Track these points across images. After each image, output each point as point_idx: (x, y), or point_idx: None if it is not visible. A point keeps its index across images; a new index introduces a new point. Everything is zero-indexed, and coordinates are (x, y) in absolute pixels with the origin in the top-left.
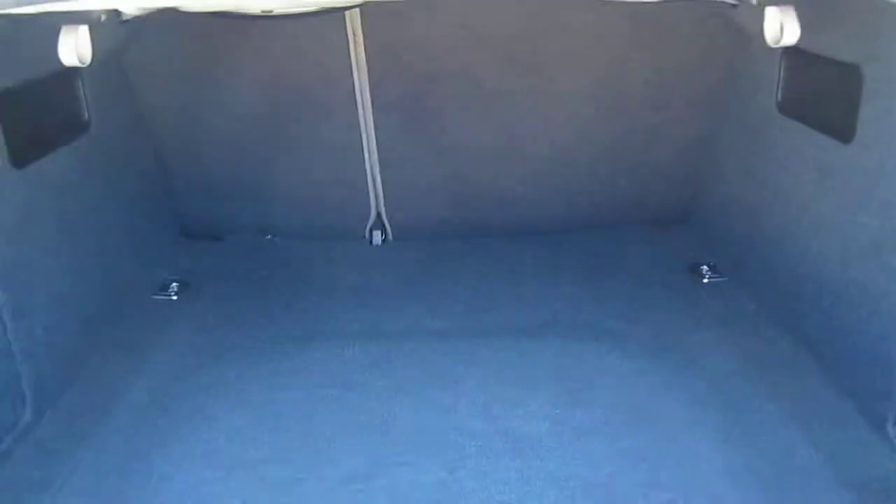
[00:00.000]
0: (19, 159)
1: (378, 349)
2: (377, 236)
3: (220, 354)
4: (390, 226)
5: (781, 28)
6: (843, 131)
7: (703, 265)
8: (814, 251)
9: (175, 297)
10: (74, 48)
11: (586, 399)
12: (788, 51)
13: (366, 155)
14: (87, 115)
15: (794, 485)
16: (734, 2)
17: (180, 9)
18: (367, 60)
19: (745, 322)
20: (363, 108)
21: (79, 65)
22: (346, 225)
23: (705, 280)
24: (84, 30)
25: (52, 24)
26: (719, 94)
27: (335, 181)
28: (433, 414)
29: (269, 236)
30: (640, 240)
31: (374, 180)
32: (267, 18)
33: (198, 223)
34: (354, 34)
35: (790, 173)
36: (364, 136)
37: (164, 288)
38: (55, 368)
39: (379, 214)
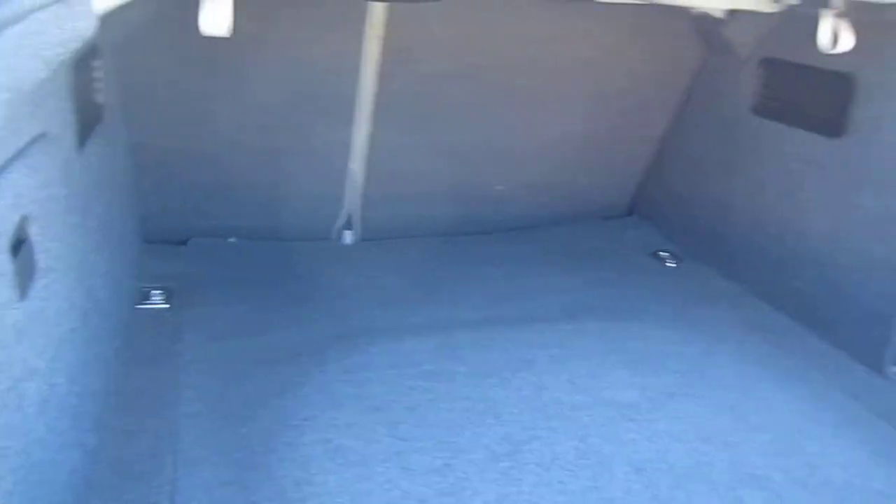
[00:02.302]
0: (83, 141)
1: (432, 341)
2: (348, 236)
3: (263, 360)
4: (361, 225)
5: (836, 37)
6: (832, 128)
7: (662, 252)
8: (796, 230)
9: (166, 306)
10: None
11: (650, 368)
12: (766, 60)
13: (352, 153)
14: (100, 102)
15: (835, 415)
16: (720, 16)
17: None
18: (381, 55)
19: (726, 297)
20: (361, 106)
21: (224, 34)
22: (316, 225)
23: (669, 264)
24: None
25: None
26: (687, 96)
27: (313, 180)
28: (529, 392)
29: (231, 239)
30: (601, 230)
31: (354, 179)
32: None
33: (160, 227)
34: (373, 27)
35: (766, 166)
36: (355, 135)
37: (146, 297)
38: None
39: (350, 214)
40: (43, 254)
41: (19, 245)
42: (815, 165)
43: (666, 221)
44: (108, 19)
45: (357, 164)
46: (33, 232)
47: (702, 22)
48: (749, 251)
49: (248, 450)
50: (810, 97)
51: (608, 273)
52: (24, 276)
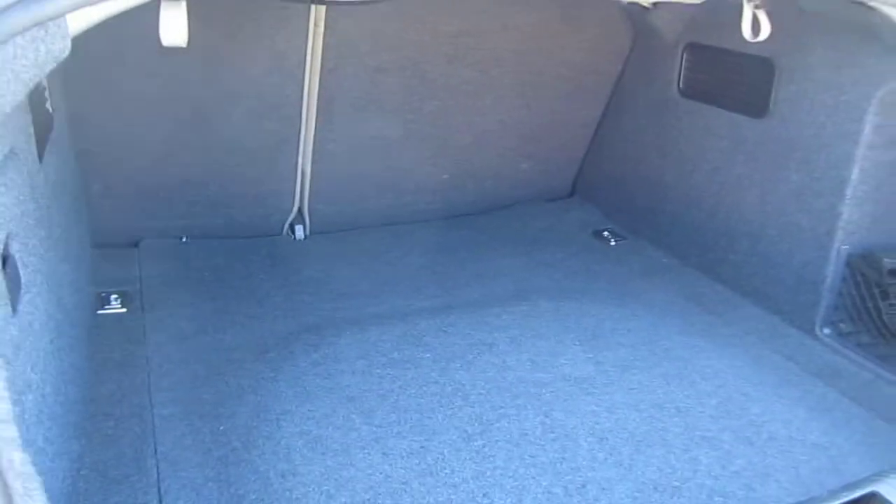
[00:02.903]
0: (41, 153)
1: (395, 330)
2: (300, 230)
3: (231, 358)
4: (310, 219)
5: (757, 25)
6: (756, 109)
7: (604, 231)
8: (727, 205)
9: (124, 310)
10: (175, 25)
11: (603, 344)
12: (691, 45)
13: (300, 149)
14: (51, 110)
15: (774, 377)
16: (647, 5)
17: None
18: (324, 53)
19: (668, 272)
20: (307, 103)
21: (181, 45)
22: (267, 222)
23: (612, 243)
24: (183, 6)
25: None
26: (619, 81)
27: (263, 177)
28: (493, 374)
29: (183, 238)
30: (545, 213)
31: (303, 174)
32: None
33: (110, 231)
34: (316, 25)
35: (696, 146)
36: (302, 131)
37: (105, 302)
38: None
39: (300, 209)
40: (23, 269)
41: (5, 262)
42: (742, 144)
43: (606, 201)
44: None
45: (304, 160)
46: (15, 248)
47: (630, 10)
48: (685, 227)
49: (228, 446)
50: (735, 80)
51: (555, 254)
52: (14, 292)
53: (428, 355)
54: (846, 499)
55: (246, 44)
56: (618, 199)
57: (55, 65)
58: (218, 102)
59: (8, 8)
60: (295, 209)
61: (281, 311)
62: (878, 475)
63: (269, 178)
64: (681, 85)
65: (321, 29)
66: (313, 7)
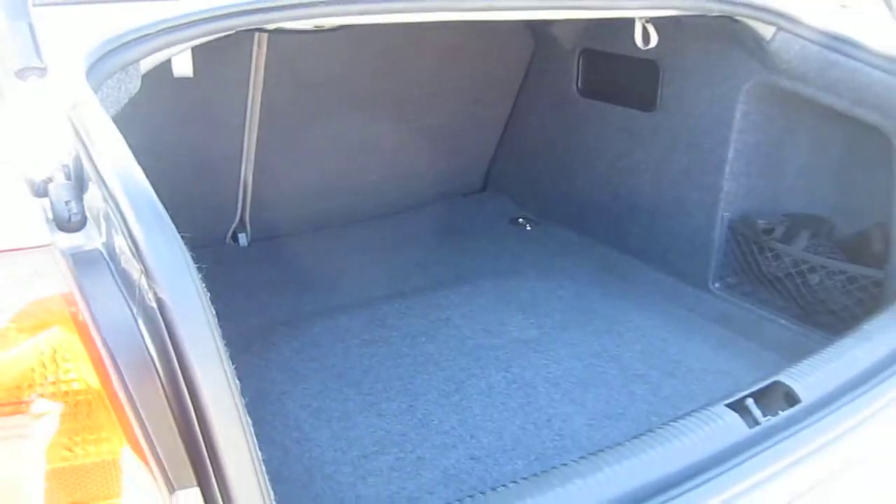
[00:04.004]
0: None
1: (361, 317)
2: (243, 238)
3: None
4: (252, 227)
5: (647, 35)
6: (645, 104)
7: (518, 218)
8: (628, 187)
9: None
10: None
11: (541, 311)
12: (586, 50)
13: (243, 161)
14: None
15: (682, 325)
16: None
17: None
18: (266, 70)
19: (581, 249)
20: (249, 117)
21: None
22: (210, 232)
23: (528, 228)
24: None
25: None
26: (524, 86)
27: (207, 190)
28: (455, 343)
29: None
30: (464, 206)
31: (245, 185)
32: None
33: None
34: (259, 47)
35: (597, 138)
36: (245, 144)
37: None
38: None
39: (242, 218)
40: None
41: None
42: (637, 135)
43: (518, 192)
44: None
45: (247, 172)
46: None
47: (531, 21)
48: (592, 208)
49: None
50: (626, 80)
51: (480, 241)
52: None
53: (395, 334)
54: (756, 388)
55: (194, 66)
56: (529, 190)
57: (128, 100)
58: (167, 120)
59: (103, 56)
60: (237, 218)
61: (247, 310)
62: (779, 370)
63: (213, 191)
64: (579, 85)
65: (263, 50)
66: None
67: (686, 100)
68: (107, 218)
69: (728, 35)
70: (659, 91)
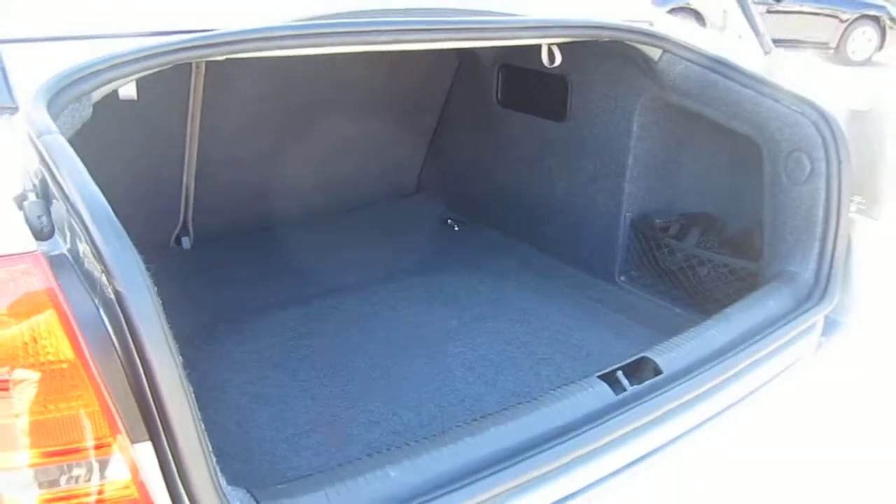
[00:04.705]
0: None
1: (296, 312)
2: (186, 241)
3: None
4: (194, 231)
5: (552, 55)
6: (557, 115)
7: (447, 219)
8: (544, 190)
9: None
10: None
11: (461, 304)
12: (505, 66)
13: (185, 170)
14: None
15: (588, 315)
16: None
17: None
18: (205, 85)
19: (504, 248)
20: (189, 129)
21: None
22: (154, 236)
23: (456, 228)
24: None
25: None
26: (450, 97)
27: (150, 197)
28: (383, 333)
29: None
30: (397, 208)
31: (187, 191)
32: None
33: None
34: (198, 67)
35: (516, 145)
36: (186, 154)
37: None
38: None
39: (184, 222)
40: None
41: None
42: (550, 142)
43: (448, 195)
44: None
45: (189, 178)
46: None
47: None
48: (514, 210)
49: None
50: (539, 93)
51: (412, 240)
52: None
53: (329, 327)
54: (624, 363)
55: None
56: (457, 193)
57: (80, 126)
58: (115, 137)
59: (60, 91)
60: (180, 223)
61: (191, 308)
62: (647, 348)
63: (156, 197)
64: (499, 97)
65: (202, 70)
66: None
67: (591, 111)
68: (70, 228)
69: (623, 55)
70: (568, 103)
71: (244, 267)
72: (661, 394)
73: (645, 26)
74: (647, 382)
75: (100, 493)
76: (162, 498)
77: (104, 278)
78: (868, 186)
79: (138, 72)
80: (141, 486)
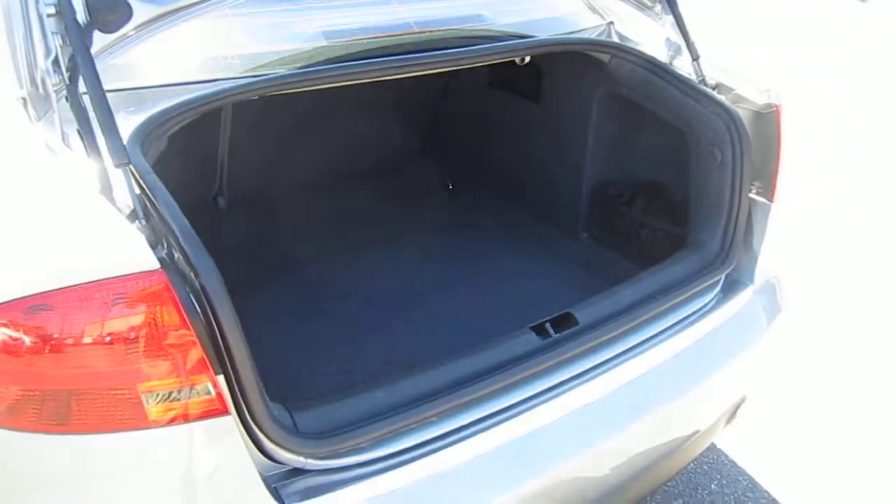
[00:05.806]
0: None
1: (314, 273)
2: (222, 201)
3: None
4: (228, 194)
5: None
6: (534, 97)
7: (448, 183)
8: (525, 160)
9: None
10: None
11: (447, 261)
12: None
13: (220, 143)
14: None
15: (555, 269)
16: None
17: None
18: None
19: (491, 209)
20: (225, 114)
21: None
22: (199, 197)
23: (451, 187)
24: None
25: None
26: (450, 84)
27: (194, 169)
28: (389, 286)
29: None
30: (405, 171)
31: (222, 163)
32: None
33: None
34: None
35: (504, 122)
36: (221, 132)
37: None
38: None
39: (220, 187)
40: None
41: None
42: (530, 120)
43: (450, 160)
44: None
45: (223, 153)
46: None
47: None
48: (502, 175)
49: None
50: (519, 78)
51: (413, 203)
52: None
53: (342, 283)
54: (554, 316)
55: None
56: (458, 159)
57: (158, 155)
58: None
59: (149, 133)
60: (216, 188)
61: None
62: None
63: (199, 169)
64: (489, 80)
65: None
66: None
67: (559, 97)
68: (167, 240)
69: (583, 55)
70: (542, 88)
71: (266, 227)
72: (574, 340)
73: (596, 36)
74: (566, 332)
75: (199, 403)
76: (233, 407)
77: (192, 275)
78: (764, 174)
79: (204, 110)
80: (221, 399)
